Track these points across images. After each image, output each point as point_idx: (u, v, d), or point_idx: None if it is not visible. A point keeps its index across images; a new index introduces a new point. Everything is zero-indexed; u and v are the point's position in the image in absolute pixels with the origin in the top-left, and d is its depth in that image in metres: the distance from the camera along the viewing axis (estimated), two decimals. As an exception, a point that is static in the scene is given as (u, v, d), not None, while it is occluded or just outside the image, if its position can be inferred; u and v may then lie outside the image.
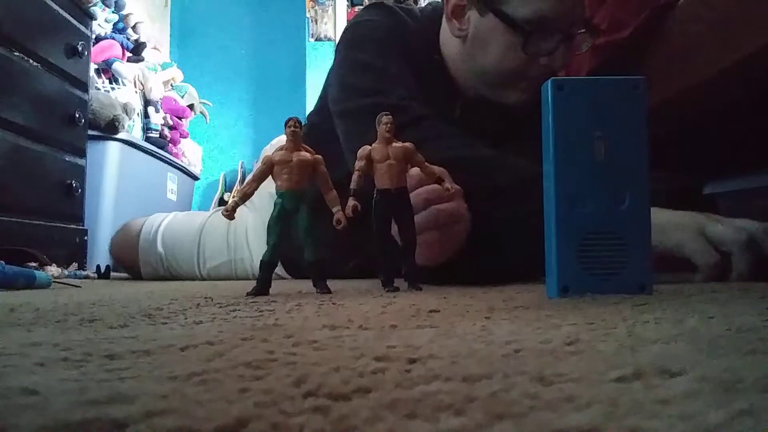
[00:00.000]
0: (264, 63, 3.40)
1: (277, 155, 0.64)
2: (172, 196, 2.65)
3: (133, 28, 2.56)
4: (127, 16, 2.54)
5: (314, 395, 0.18)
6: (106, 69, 2.36)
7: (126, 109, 2.22)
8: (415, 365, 0.23)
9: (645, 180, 0.52)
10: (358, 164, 0.67)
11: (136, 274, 1.36)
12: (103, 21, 2.39)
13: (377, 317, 0.39)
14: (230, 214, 0.63)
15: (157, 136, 2.54)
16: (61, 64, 1.65)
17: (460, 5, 0.92)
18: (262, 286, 0.62)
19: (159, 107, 2.59)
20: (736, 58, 0.80)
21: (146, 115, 2.54)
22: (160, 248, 1.31)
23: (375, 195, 0.68)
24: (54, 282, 0.94)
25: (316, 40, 3.36)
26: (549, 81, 0.52)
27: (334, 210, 0.66)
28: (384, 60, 0.91)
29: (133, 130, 2.33)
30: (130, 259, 1.35)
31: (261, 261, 0.64)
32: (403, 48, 0.93)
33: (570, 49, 0.89)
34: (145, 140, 2.45)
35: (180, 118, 2.75)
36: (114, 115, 2.09)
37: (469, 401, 0.17)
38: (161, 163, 2.53)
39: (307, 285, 0.78)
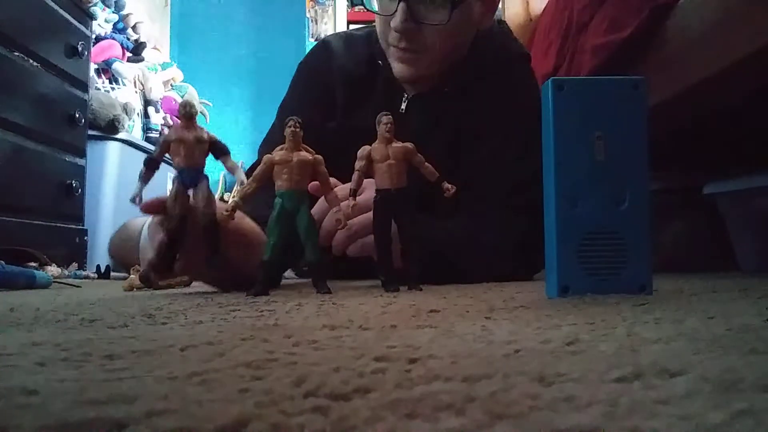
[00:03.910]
0: (264, 63, 3.40)
1: (277, 155, 0.64)
2: (172, 196, 2.65)
3: (133, 28, 2.56)
4: (127, 16, 2.54)
5: (314, 395, 0.18)
6: (106, 69, 2.36)
7: (126, 109, 2.22)
8: (415, 365, 0.23)
9: (645, 180, 0.52)
10: (358, 164, 0.67)
11: None
12: (103, 21, 2.39)
13: (377, 317, 0.39)
14: (230, 215, 0.63)
15: (157, 136, 2.54)
16: (61, 64, 1.65)
17: None
18: (262, 287, 0.62)
19: (159, 107, 2.59)
20: (736, 58, 0.80)
21: (146, 115, 2.54)
22: None
23: (375, 195, 0.68)
24: (54, 282, 0.94)
25: (316, 40, 3.35)
26: (549, 81, 0.52)
27: (335, 210, 0.66)
28: (293, 100, 1.06)
29: (133, 130, 2.32)
30: (130, 258, 1.35)
31: (261, 261, 0.64)
32: (329, 76, 1.03)
33: (413, 14, 0.87)
34: (145, 140, 2.44)
35: (180, 118, 2.75)
36: (114, 115, 2.09)
37: (469, 401, 0.17)
38: (161, 163, 2.53)
39: (307, 285, 0.78)
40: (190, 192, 0.66)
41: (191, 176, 0.66)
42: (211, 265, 0.65)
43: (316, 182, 0.67)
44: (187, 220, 0.65)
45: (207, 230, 0.65)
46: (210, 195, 0.66)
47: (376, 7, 0.91)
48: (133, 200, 0.65)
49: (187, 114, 0.66)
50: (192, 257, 0.69)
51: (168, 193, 0.67)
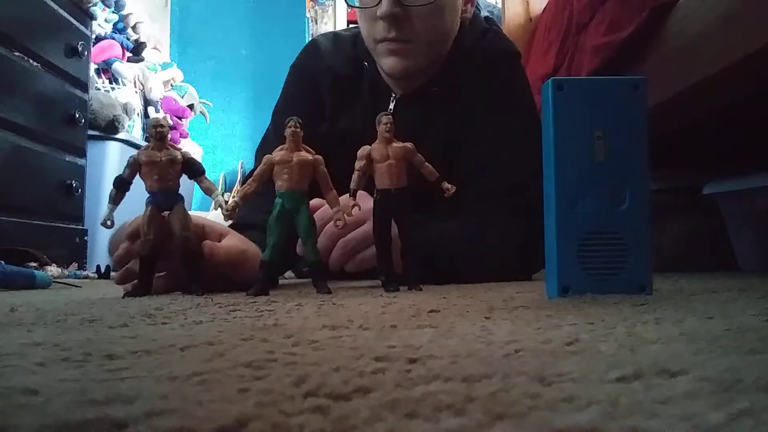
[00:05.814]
0: (264, 63, 3.40)
1: (278, 155, 0.64)
2: (172, 196, 2.65)
3: (133, 28, 2.56)
4: (127, 16, 2.54)
5: (314, 395, 0.18)
6: (106, 69, 2.36)
7: (126, 109, 2.22)
8: (415, 365, 0.23)
9: (645, 180, 0.52)
10: (358, 164, 0.67)
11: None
12: (103, 21, 2.39)
13: (377, 317, 0.39)
14: (230, 214, 0.63)
15: (157, 136, 2.54)
16: (61, 64, 1.65)
17: None
18: (262, 286, 0.62)
19: (159, 107, 2.59)
20: (736, 58, 0.80)
21: (146, 115, 2.54)
22: None
23: (375, 195, 0.68)
24: (54, 282, 0.94)
25: (315, 40, 3.35)
26: (549, 81, 0.52)
27: (334, 210, 0.66)
28: (286, 104, 1.05)
29: (133, 130, 2.33)
30: None
31: (261, 261, 0.64)
32: (317, 77, 1.02)
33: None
34: (145, 140, 2.45)
35: (180, 118, 2.75)
36: (114, 115, 2.09)
37: (469, 401, 0.17)
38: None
39: (307, 285, 0.78)
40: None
41: (165, 199, 0.63)
42: (190, 290, 0.64)
43: (315, 201, 0.67)
44: (162, 245, 0.63)
45: (185, 256, 0.63)
46: (186, 217, 0.64)
47: (358, 2, 0.90)
48: (104, 224, 0.62)
49: (158, 135, 0.63)
50: (170, 280, 0.68)
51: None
